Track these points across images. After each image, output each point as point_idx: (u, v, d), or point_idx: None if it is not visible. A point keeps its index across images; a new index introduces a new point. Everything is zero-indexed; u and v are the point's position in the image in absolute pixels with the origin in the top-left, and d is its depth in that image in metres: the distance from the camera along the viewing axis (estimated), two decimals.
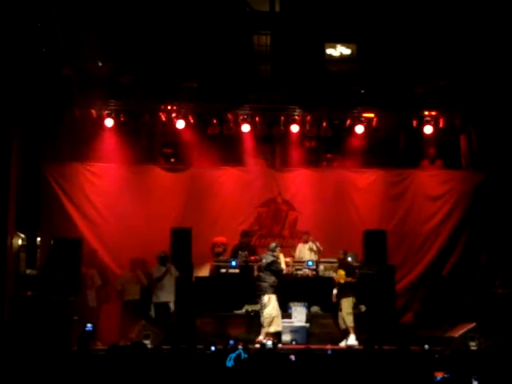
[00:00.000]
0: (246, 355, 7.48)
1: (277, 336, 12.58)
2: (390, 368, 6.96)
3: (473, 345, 12.11)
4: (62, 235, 14.42)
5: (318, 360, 7.40)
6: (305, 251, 14.69)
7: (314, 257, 14.42)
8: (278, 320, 12.59)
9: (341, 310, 12.97)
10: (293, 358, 8.21)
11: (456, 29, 14.98)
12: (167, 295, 13.68)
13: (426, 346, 10.54)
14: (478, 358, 7.63)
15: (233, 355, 7.49)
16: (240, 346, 8.98)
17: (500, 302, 13.61)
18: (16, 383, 6.72)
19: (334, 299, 13.15)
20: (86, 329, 10.50)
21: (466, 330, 12.54)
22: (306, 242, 14.86)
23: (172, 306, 13.64)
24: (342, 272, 13.16)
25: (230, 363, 7.39)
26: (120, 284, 14.38)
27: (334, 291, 13.16)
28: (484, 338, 12.27)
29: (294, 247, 15.39)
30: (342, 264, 13.39)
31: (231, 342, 10.44)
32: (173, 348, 8.53)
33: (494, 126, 15.58)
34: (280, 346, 12.19)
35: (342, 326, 12.96)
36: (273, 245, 13.20)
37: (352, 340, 12.69)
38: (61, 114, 15.13)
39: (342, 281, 13.05)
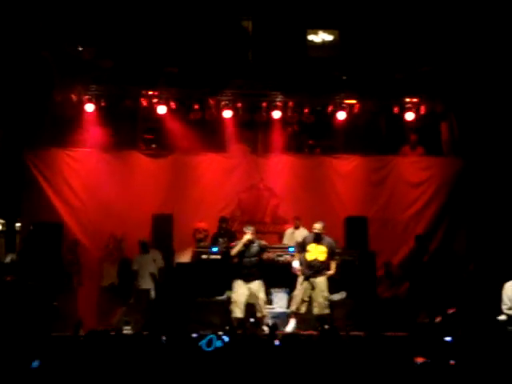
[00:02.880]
0: (219, 341, 7.47)
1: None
2: (370, 353, 6.98)
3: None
4: (42, 220, 14.36)
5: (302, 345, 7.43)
6: (297, 237, 14.26)
7: None
8: (235, 305, 12.26)
9: (314, 292, 12.18)
10: (277, 342, 8.23)
11: (437, 15, 14.99)
12: (148, 282, 13.65)
13: None
14: (457, 344, 7.67)
15: (204, 341, 7.49)
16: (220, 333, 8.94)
17: (473, 288, 13.65)
18: None
19: (297, 272, 12.42)
20: None
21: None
22: (297, 227, 14.71)
23: (153, 293, 13.61)
24: (323, 248, 12.32)
25: (205, 347, 7.41)
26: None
27: (296, 264, 12.47)
28: (464, 324, 12.34)
29: (276, 233, 15.45)
30: (320, 239, 12.41)
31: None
32: (152, 334, 8.52)
33: (474, 112, 15.62)
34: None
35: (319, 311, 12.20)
36: None
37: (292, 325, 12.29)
38: (41, 99, 15.03)
39: (323, 258, 12.25)
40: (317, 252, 12.34)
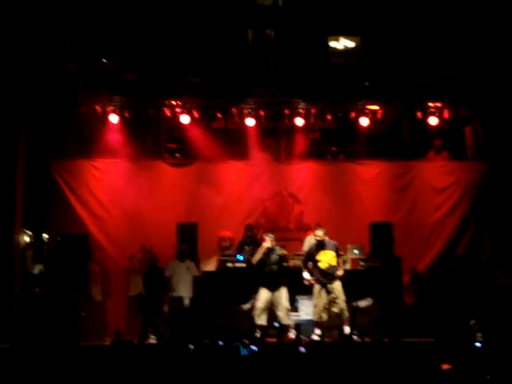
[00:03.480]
0: (245, 350, 7.51)
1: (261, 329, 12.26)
2: (397, 359, 6.97)
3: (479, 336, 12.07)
4: (68, 232, 14.48)
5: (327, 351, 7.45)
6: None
7: None
8: (257, 313, 12.36)
9: (333, 297, 12.28)
10: (303, 349, 8.23)
11: (460, 19, 14.92)
12: (183, 290, 13.71)
13: None
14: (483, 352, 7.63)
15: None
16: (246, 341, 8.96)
17: (502, 293, 13.55)
18: (25, 380, 6.76)
19: (310, 282, 12.53)
20: None
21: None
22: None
23: (187, 301, 13.68)
24: (331, 252, 12.47)
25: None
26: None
27: (307, 275, 12.58)
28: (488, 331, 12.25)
29: (300, 240, 15.41)
30: (324, 245, 12.52)
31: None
32: (180, 342, 8.56)
33: (499, 116, 15.53)
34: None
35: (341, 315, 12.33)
36: None
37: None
38: (66, 111, 15.18)
39: (335, 263, 12.40)
40: (328, 258, 12.46)
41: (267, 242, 12.65)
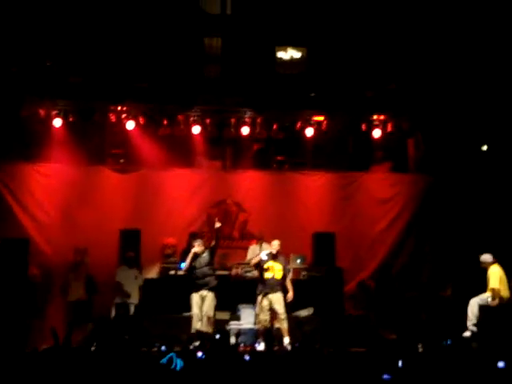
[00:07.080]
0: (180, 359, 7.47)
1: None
2: (337, 369, 7.03)
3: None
4: (8, 236, 14.23)
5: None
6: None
7: None
8: (196, 319, 12.36)
9: (274, 307, 12.32)
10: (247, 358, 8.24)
11: (405, 33, 15.20)
12: (131, 297, 13.76)
13: None
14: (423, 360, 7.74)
15: (164, 359, 7.48)
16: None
17: (447, 305, 13.78)
18: None
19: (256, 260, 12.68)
20: None
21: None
22: (260, 243, 14.58)
23: (133, 308, 13.65)
24: (280, 265, 12.51)
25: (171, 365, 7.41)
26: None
27: (264, 256, 12.58)
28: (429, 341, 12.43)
29: (244, 249, 15.43)
30: (276, 256, 12.61)
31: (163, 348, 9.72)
32: (118, 349, 8.47)
33: (440, 129, 15.83)
34: None
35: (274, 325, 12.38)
36: None
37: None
38: (8, 114, 14.94)
39: (279, 277, 12.45)
40: (274, 270, 12.48)
41: (195, 247, 12.64)
